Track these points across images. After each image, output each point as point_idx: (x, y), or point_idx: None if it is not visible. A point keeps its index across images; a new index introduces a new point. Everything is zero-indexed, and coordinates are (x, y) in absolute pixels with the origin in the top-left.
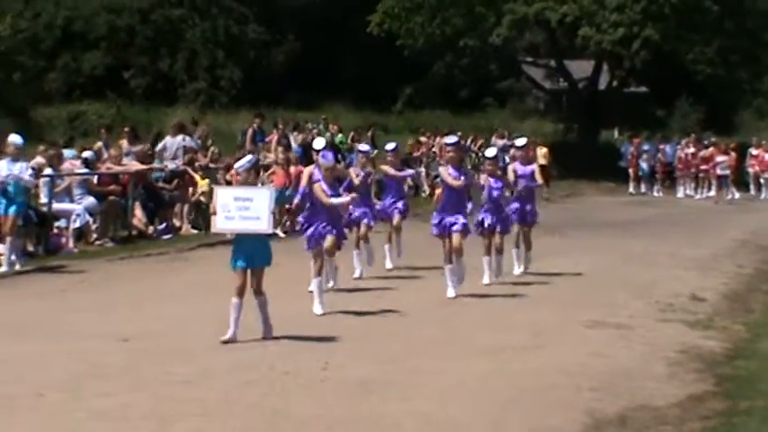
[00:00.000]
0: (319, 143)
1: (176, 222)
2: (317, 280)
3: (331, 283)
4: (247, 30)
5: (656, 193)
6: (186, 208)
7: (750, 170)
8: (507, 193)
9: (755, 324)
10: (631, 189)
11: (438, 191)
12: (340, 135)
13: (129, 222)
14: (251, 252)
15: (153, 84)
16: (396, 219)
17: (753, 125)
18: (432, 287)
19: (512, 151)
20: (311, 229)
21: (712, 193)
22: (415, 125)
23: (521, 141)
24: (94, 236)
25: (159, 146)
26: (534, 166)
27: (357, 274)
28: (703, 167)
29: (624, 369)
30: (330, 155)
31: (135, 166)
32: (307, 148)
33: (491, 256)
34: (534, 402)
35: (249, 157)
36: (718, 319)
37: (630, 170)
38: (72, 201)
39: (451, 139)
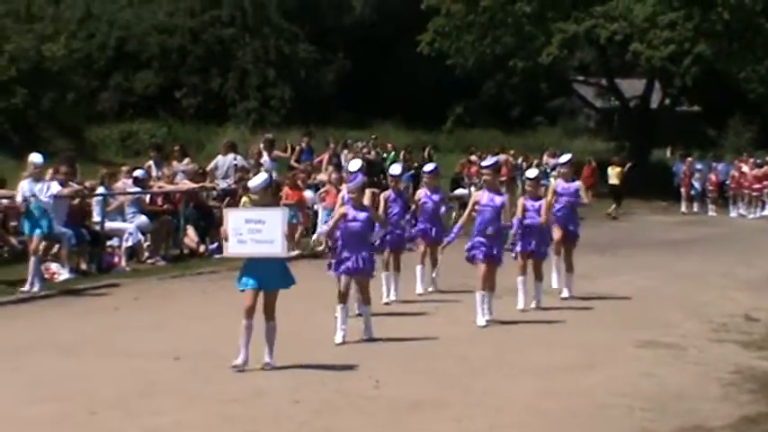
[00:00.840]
0: (354, 165)
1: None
2: (340, 306)
3: (389, 298)
4: (298, 49)
5: (709, 213)
6: None
7: None
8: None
9: None
10: (683, 208)
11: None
12: (392, 153)
13: (181, 241)
14: (264, 273)
15: (204, 103)
16: (422, 246)
17: None
18: (510, 314)
19: (557, 169)
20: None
21: (766, 212)
22: (465, 144)
23: (565, 158)
24: (146, 254)
25: (211, 165)
26: (578, 184)
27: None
28: (756, 187)
29: (677, 389)
30: (360, 177)
31: (186, 185)
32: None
33: (524, 277)
34: (586, 423)
35: (264, 176)
36: None
37: (683, 189)
38: (124, 220)
39: (489, 161)
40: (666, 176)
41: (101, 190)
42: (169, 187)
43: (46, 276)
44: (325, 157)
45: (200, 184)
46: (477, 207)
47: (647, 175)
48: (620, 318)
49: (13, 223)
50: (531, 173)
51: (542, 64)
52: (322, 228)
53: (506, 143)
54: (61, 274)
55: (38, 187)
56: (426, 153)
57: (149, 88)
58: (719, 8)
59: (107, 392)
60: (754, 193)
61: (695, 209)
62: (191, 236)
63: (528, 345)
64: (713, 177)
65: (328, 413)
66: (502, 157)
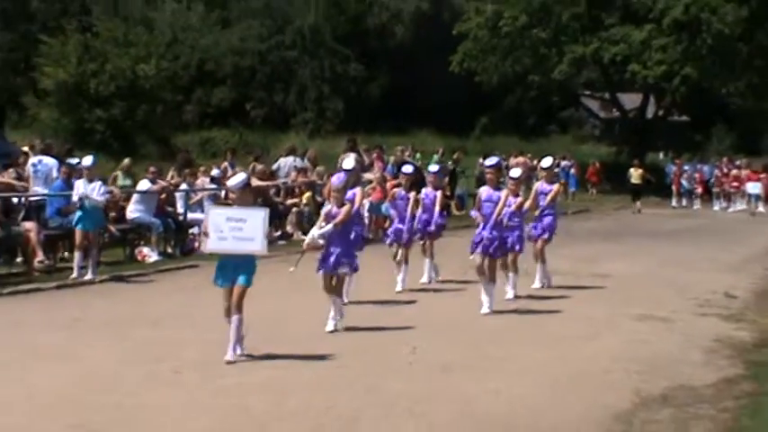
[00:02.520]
0: (348, 163)
1: (289, 230)
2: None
3: (399, 287)
4: (348, 68)
5: (695, 207)
6: (295, 218)
7: None
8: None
9: None
10: (674, 203)
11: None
12: (434, 156)
13: None
14: (235, 270)
15: (269, 114)
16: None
17: None
18: (540, 299)
19: (538, 171)
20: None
21: (742, 206)
22: (490, 148)
23: (546, 162)
24: None
25: (275, 165)
26: (557, 187)
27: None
28: (735, 185)
29: (667, 355)
30: (343, 177)
31: (256, 182)
32: (398, 168)
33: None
34: (590, 383)
35: (243, 175)
36: (748, 314)
37: (673, 187)
38: (203, 211)
39: (491, 160)
40: (659, 176)
41: (184, 186)
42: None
43: (138, 258)
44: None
45: (267, 183)
46: (479, 202)
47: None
48: (619, 295)
49: (112, 213)
50: (515, 173)
51: (555, 80)
52: (314, 230)
53: (524, 148)
54: (151, 256)
55: (90, 187)
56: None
57: (224, 101)
58: (704, 35)
59: (187, 357)
60: (733, 191)
61: (684, 203)
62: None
63: (539, 318)
64: (699, 177)
65: (371, 375)
66: (520, 158)
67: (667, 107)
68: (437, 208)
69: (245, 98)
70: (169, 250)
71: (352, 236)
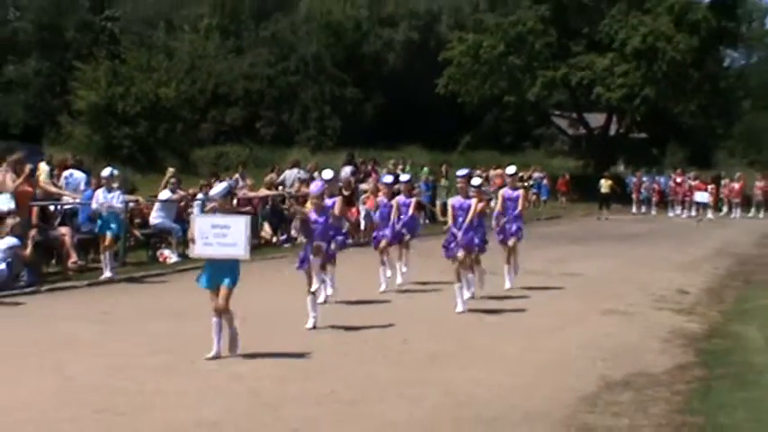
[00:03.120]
0: (327, 174)
1: (293, 234)
2: (309, 297)
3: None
4: (346, 91)
5: (652, 213)
6: (299, 223)
7: (723, 197)
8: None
9: (727, 312)
10: (634, 210)
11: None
12: (425, 169)
13: (259, 234)
14: (219, 273)
15: (276, 131)
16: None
17: (725, 162)
18: (516, 296)
19: (506, 179)
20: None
21: (692, 213)
22: (472, 162)
23: (510, 170)
24: None
25: (281, 177)
26: (521, 192)
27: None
28: (687, 194)
29: (628, 345)
30: (321, 186)
31: (264, 192)
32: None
33: (508, 265)
34: (559, 370)
35: (224, 184)
36: (698, 308)
37: (633, 195)
38: None
39: (461, 171)
40: (621, 186)
41: (200, 196)
42: (251, 194)
43: (160, 260)
44: (370, 171)
45: (274, 192)
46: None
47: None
48: (586, 292)
49: (137, 220)
50: (475, 181)
51: (529, 101)
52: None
53: (502, 161)
54: (171, 258)
55: (110, 195)
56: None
57: (236, 120)
58: (660, 61)
59: (204, 347)
60: (686, 199)
61: (643, 210)
62: (266, 230)
63: (515, 313)
64: (656, 187)
65: (367, 363)
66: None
67: (628, 125)
68: (410, 210)
69: (254, 117)
70: (188, 252)
71: (330, 240)
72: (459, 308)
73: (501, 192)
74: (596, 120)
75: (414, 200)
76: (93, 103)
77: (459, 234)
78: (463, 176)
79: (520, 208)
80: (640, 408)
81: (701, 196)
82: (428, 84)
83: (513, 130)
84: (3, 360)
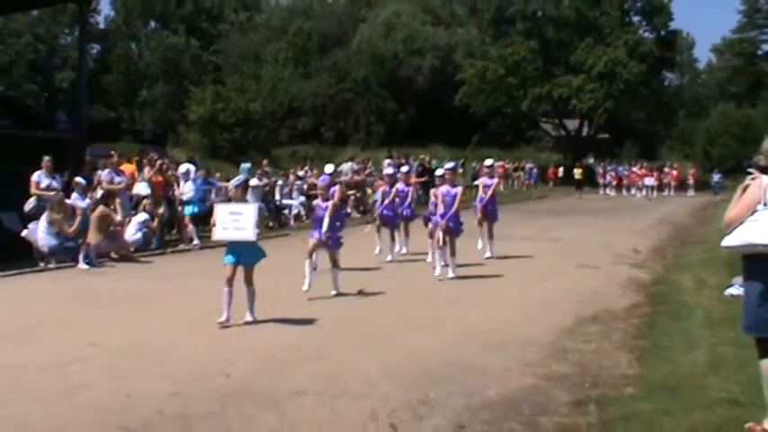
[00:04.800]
0: (328, 168)
1: (349, 211)
2: (307, 261)
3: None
4: (386, 105)
5: (613, 194)
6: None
7: (666, 181)
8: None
9: (667, 265)
10: (600, 192)
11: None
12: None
13: None
14: (241, 252)
15: (335, 135)
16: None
17: (666, 155)
18: (507, 254)
19: (483, 169)
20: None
21: (642, 194)
22: (482, 157)
23: (488, 162)
24: (304, 217)
25: (340, 168)
26: (496, 180)
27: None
28: (639, 179)
29: (596, 290)
30: (326, 179)
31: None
32: (422, 168)
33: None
34: (546, 308)
35: (240, 177)
36: (647, 263)
37: (599, 180)
38: (292, 198)
39: (450, 164)
40: (590, 174)
41: (280, 182)
42: (316, 181)
43: None
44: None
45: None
46: (441, 196)
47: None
48: (565, 252)
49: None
50: (439, 172)
51: (522, 111)
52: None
53: (502, 156)
54: (257, 230)
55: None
56: (462, 162)
57: (305, 127)
58: (618, 81)
59: (281, 294)
60: (638, 183)
61: (606, 192)
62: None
63: (510, 267)
64: (615, 174)
65: (399, 304)
66: (500, 162)
67: (595, 128)
68: (409, 199)
69: (319, 124)
70: (270, 225)
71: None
72: (445, 274)
73: (481, 180)
74: (572, 124)
75: (411, 188)
76: (202, 116)
77: (442, 220)
78: (451, 169)
79: (491, 193)
80: (604, 335)
81: (649, 181)
82: (448, 98)
83: (511, 132)
84: (139, 302)
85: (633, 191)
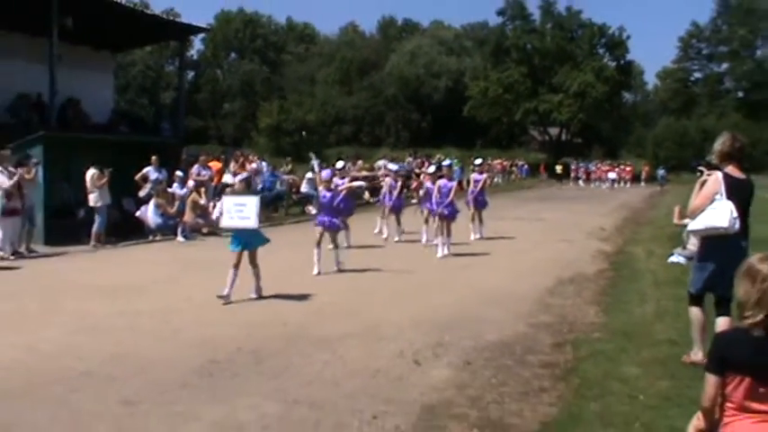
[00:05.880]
0: (339, 164)
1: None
2: (315, 250)
3: (344, 245)
4: (411, 116)
5: (583, 185)
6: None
7: (622, 176)
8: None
9: (625, 239)
10: (573, 183)
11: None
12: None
13: (362, 196)
14: (246, 239)
15: (371, 139)
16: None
17: (625, 156)
18: (502, 231)
19: (474, 166)
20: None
21: (607, 185)
22: (483, 156)
23: (478, 161)
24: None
25: (375, 164)
26: (485, 176)
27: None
28: (603, 174)
29: (572, 258)
30: (329, 172)
31: (364, 173)
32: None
33: (443, 235)
34: (533, 273)
35: (245, 174)
36: (611, 237)
37: (572, 174)
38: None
39: (447, 162)
40: (567, 169)
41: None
42: (357, 174)
43: (306, 212)
44: (425, 161)
45: (369, 173)
46: (439, 188)
47: (561, 169)
48: (547, 229)
49: (294, 189)
50: (431, 169)
51: (515, 121)
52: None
53: (501, 156)
54: (312, 211)
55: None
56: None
57: (348, 132)
58: (588, 98)
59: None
60: (603, 176)
61: (580, 184)
62: (367, 197)
63: (504, 241)
64: (585, 170)
65: (416, 271)
66: (498, 160)
67: (571, 135)
68: (395, 192)
69: (359, 131)
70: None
71: (342, 206)
72: (442, 252)
73: (472, 175)
74: (554, 131)
75: (400, 183)
76: (270, 125)
77: (439, 207)
78: (448, 165)
79: (480, 186)
80: (578, 293)
81: (612, 175)
82: (458, 110)
83: (506, 137)
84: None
85: (599, 183)
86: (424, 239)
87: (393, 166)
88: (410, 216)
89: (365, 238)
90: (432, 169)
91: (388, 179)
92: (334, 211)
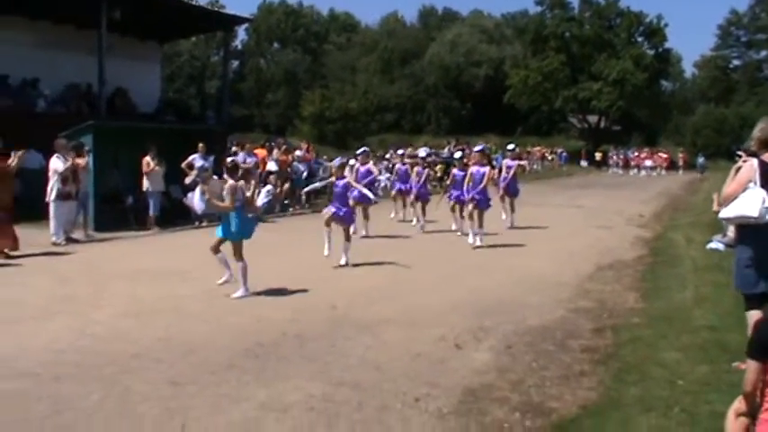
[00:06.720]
0: (360, 150)
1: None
2: (326, 230)
3: (362, 232)
4: (451, 104)
5: (621, 172)
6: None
7: (658, 163)
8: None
9: (665, 226)
10: (612, 170)
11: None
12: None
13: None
14: (227, 228)
15: (413, 126)
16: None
17: (664, 143)
18: (541, 217)
19: (507, 153)
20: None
21: (644, 172)
22: (523, 144)
23: (511, 146)
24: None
25: (417, 151)
26: (517, 162)
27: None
28: (642, 161)
29: (612, 245)
30: (339, 160)
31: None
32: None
33: (476, 225)
34: (573, 259)
35: (229, 159)
36: (649, 224)
37: (612, 161)
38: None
39: (478, 147)
40: (606, 157)
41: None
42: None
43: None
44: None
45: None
46: (470, 175)
47: (600, 156)
48: (587, 215)
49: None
50: (458, 154)
51: (555, 108)
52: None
53: (540, 143)
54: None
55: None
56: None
57: (390, 120)
58: (627, 86)
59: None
60: (642, 164)
61: (617, 171)
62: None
63: (543, 227)
64: (624, 157)
65: (457, 255)
66: (537, 147)
67: (610, 122)
68: (418, 178)
69: (400, 118)
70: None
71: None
72: (474, 242)
73: (504, 161)
74: (593, 119)
75: (426, 171)
76: (312, 113)
77: (471, 194)
78: (479, 150)
79: (512, 173)
80: (617, 279)
81: (648, 162)
82: (498, 98)
83: (546, 124)
84: (267, 250)
85: (637, 171)
86: (454, 227)
87: (422, 153)
88: (431, 205)
89: (396, 227)
90: (458, 155)
91: (416, 167)
92: (344, 201)
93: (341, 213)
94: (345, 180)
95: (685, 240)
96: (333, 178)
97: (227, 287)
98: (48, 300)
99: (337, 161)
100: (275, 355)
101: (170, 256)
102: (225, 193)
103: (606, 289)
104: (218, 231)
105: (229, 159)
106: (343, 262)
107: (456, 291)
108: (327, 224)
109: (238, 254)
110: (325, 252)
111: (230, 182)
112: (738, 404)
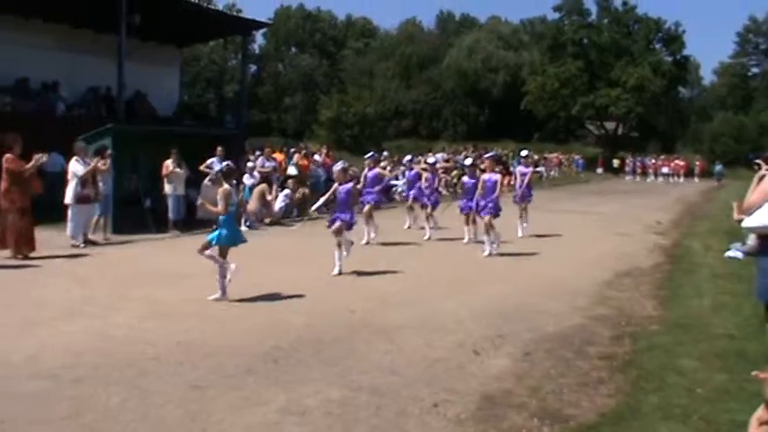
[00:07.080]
0: (368, 153)
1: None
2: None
3: (366, 239)
4: (469, 110)
5: (638, 180)
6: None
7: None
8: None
9: (682, 233)
10: (629, 177)
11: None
12: (511, 154)
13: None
14: (217, 233)
15: (429, 132)
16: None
17: (680, 150)
18: (558, 224)
19: (520, 159)
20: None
21: (661, 179)
22: (542, 150)
23: (524, 153)
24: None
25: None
26: (531, 169)
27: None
28: (658, 168)
29: (629, 252)
30: (341, 164)
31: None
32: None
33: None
34: (591, 266)
35: (341, 163)
36: (667, 231)
37: (628, 168)
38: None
39: (488, 155)
40: (623, 163)
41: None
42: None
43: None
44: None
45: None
46: (482, 182)
47: (618, 163)
48: (605, 222)
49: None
50: (468, 161)
51: (573, 115)
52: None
53: (557, 149)
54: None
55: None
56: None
57: (407, 126)
58: (645, 93)
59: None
60: (659, 171)
61: (635, 177)
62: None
63: (561, 234)
64: (642, 164)
65: (485, 263)
66: (554, 154)
67: (628, 129)
68: (427, 183)
69: (417, 124)
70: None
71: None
72: (485, 250)
73: (518, 168)
74: (610, 125)
75: (437, 178)
76: (330, 117)
77: (482, 202)
78: (490, 157)
79: (527, 180)
80: (635, 286)
81: (665, 170)
82: (516, 104)
83: (563, 131)
84: (283, 255)
85: (654, 177)
86: (465, 240)
87: (431, 159)
88: (438, 209)
89: (410, 234)
90: (468, 161)
91: (426, 173)
92: (347, 207)
93: (347, 219)
94: (349, 186)
95: (703, 248)
96: (336, 183)
97: (232, 289)
98: (67, 301)
99: (339, 165)
100: (294, 359)
101: (189, 260)
102: (218, 197)
103: (624, 296)
104: (210, 236)
105: (224, 164)
106: (335, 272)
107: (473, 297)
108: (338, 233)
109: (223, 257)
110: (335, 271)
111: (224, 186)
112: (761, 412)
